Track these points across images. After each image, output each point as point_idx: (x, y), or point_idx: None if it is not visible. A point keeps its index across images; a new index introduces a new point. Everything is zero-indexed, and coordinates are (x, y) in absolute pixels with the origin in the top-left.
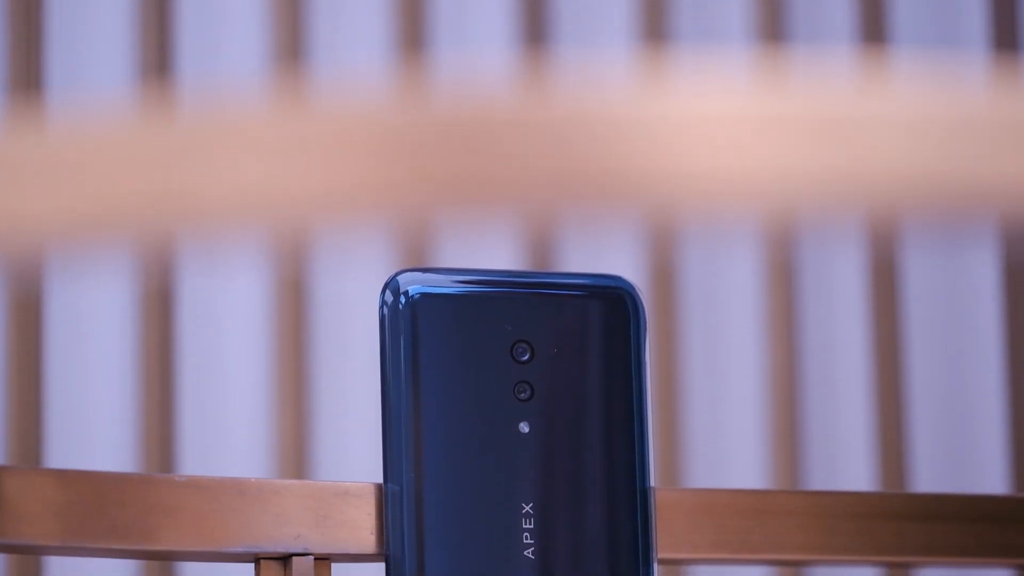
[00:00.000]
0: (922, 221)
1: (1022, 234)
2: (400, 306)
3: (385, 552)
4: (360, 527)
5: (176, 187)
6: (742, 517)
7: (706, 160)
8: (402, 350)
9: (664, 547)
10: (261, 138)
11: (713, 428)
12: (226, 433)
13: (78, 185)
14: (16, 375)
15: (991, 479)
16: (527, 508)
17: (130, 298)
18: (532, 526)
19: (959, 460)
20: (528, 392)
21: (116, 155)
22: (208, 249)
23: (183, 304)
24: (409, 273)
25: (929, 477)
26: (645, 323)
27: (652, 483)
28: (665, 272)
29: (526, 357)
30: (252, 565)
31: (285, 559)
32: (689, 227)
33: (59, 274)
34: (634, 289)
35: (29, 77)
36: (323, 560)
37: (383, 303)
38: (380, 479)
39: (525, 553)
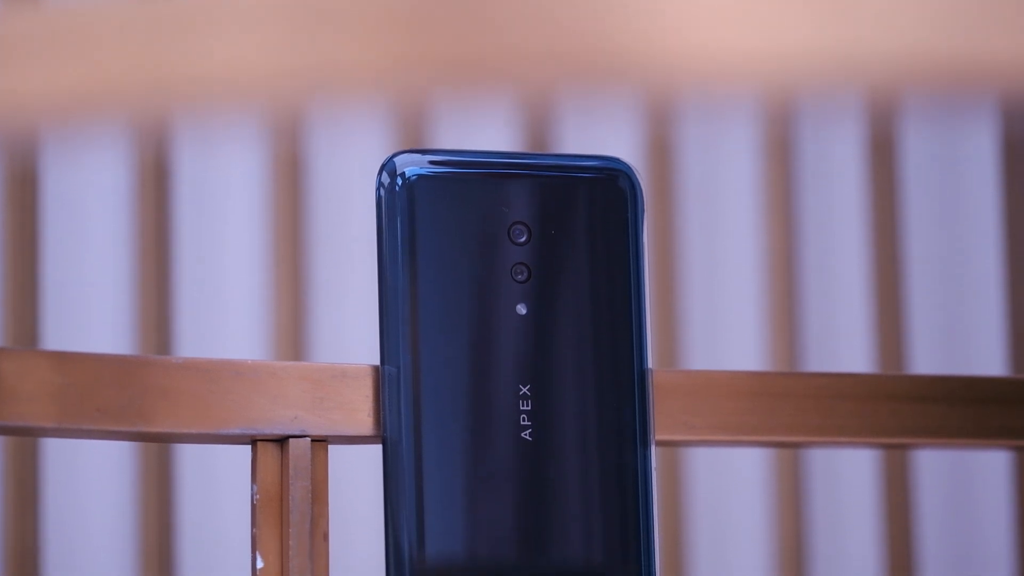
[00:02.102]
0: (921, 96)
1: (1021, 108)
2: (397, 188)
3: (382, 434)
4: (357, 409)
5: (172, 63)
6: (740, 399)
7: (703, 37)
8: (399, 232)
9: (661, 429)
10: (258, 14)
11: (711, 309)
12: (223, 314)
13: (74, 60)
14: (12, 255)
15: (989, 360)
16: (524, 390)
17: (126, 176)
18: (529, 408)
19: (958, 341)
20: (525, 274)
21: (112, 31)
22: (204, 126)
23: (179, 183)
24: (406, 155)
25: (927, 358)
26: (643, 205)
27: (650, 365)
28: (662, 152)
29: (523, 239)
30: (249, 447)
31: (282, 441)
32: (687, 106)
33: (55, 151)
34: (632, 171)
35: None
36: (320, 442)
37: (380, 185)
38: (377, 361)
39: (522, 435)
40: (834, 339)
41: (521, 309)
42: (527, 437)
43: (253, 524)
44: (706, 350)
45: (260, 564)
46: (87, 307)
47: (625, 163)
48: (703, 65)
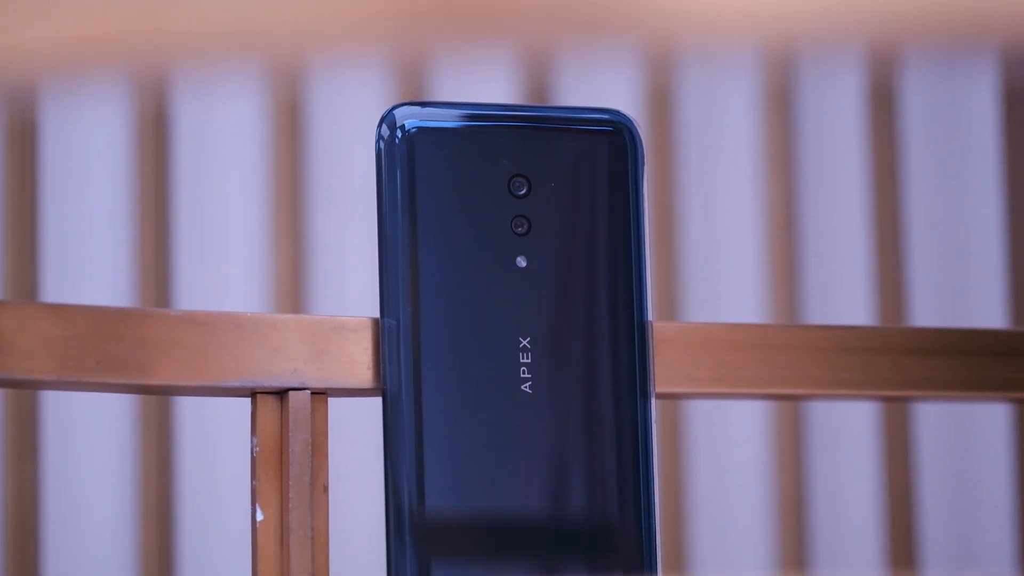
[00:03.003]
0: (921, 47)
1: (1021, 59)
2: (396, 140)
3: (382, 387)
4: (357, 362)
5: (172, 13)
6: (740, 351)
7: None
8: (398, 184)
9: (662, 381)
10: None
11: (711, 262)
12: (222, 267)
13: (73, 10)
14: (11, 207)
15: (989, 313)
16: (524, 343)
17: (126, 127)
18: (529, 360)
19: (958, 293)
20: (525, 226)
21: None
22: (204, 77)
23: (179, 134)
24: (405, 107)
25: (927, 311)
26: (643, 157)
27: (650, 317)
28: (662, 103)
29: (523, 191)
30: (248, 400)
31: (281, 394)
32: (687, 56)
33: (55, 102)
34: (632, 123)
35: None
36: (320, 395)
37: (379, 137)
38: (377, 313)
39: (522, 388)
40: (834, 291)
41: (521, 262)
42: (527, 390)
43: (253, 477)
44: (706, 302)
45: (260, 517)
46: (86, 259)
47: (625, 115)
48: (703, 15)
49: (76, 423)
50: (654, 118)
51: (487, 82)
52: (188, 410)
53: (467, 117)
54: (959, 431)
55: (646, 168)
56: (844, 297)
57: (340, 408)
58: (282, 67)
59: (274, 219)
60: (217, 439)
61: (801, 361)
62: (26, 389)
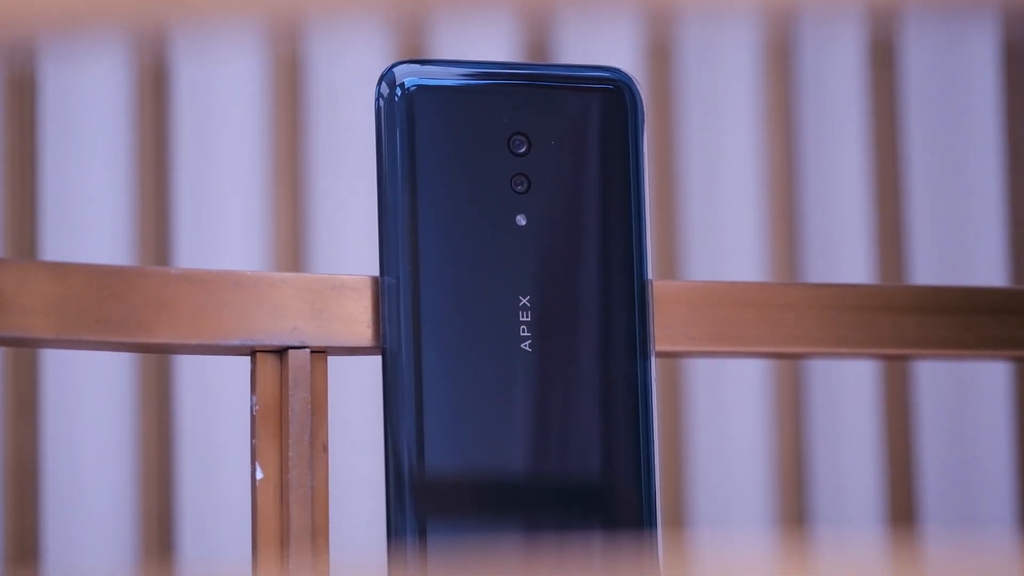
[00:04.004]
0: (921, 1)
1: (1021, 14)
2: (396, 98)
3: (382, 345)
4: (357, 320)
5: None
6: (740, 310)
7: None
8: (398, 143)
9: (662, 340)
10: None
11: (711, 220)
12: (222, 225)
13: None
14: (11, 164)
15: (989, 271)
16: (524, 301)
17: (125, 83)
18: (529, 319)
19: (958, 251)
20: (525, 185)
21: None
22: (204, 33)
23: (178, 91)
24: (405, 65)
25: (927, 269)
26: (643, 115)
27: (650, 276)
28: (662, 59)
29: (523, 150)
30: (248, 358)
31: (281, 352)
32: (686, 12)
33: (55, 59)
34: (632, 81)
35: None
36: (319, 353)
37: (379, 95)
38: (377, 272)
39: (522, 346)
40: (834, 249)
41: (521, 220)
42: (527, 348)
43: (252, 435)
44: (706, 261)
45: (260, 475)
46: (86, 217)
47: (625, 73)
48: None
49: (76, 382)
50: (654, 75)
51: (487, 40)
52: (188, 369)
53: (467, 75)
54: (959, 389)
55: (646, 126)
56: (844, 255)
57: (340, 366)
58: (282, 24)
59: (274, 176)
60: (217, 398)
61: (801, 319)
62: (26, 347)
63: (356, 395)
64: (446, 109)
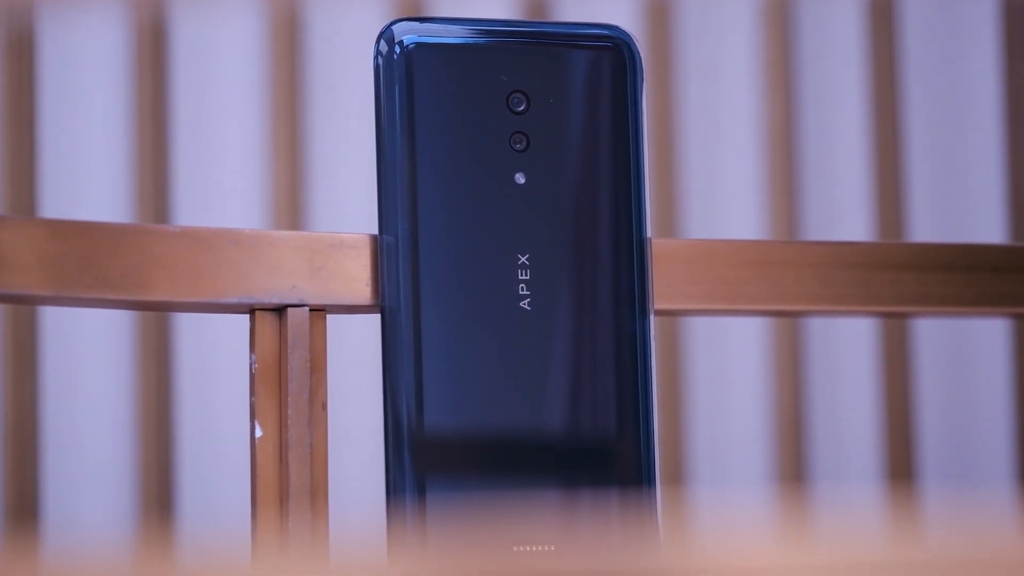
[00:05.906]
0: None
1: None
2: (395, 56)
3: (381, 303)
4: (356, 278)
5: None
6: (739, 268)
7: None
8: (397, 100)
9: (661, 298)
10: None
11: (710, 178)
12: (221, 182)
13: None
14: (9, 121)
15: (989, 228)
16: (523, 259)
17: (123, 40)
18: (528, 277)
19: (957, 209)
20: (524, 143)
21: None
22: None
23: (177, 48)
24: (404, 22)
25: (926, 226)
26: (642, 74)
27: (649, 234)
28: (661, 17)
29: (522, 107)
30: (247, 316)
31: (280, 310)
32: None
33: (52, 14)
34: (631, 39)
35: None
36: (318, 311)
37: (378, 53)
38: (376, 230)
39: (521, 304)
40: (834, 207)
41: (519, 178)
42: (526, 306)
43: (252, 393)
44: (705, 219)
45: (259, 433)
46: (84, 174)
47: (624, 31)
48: None
49: (75, 339)
50: (653, 34)
51: None
52: (187, 327)
53: (466, 33)
54: (958, 346)
55: (645, 84)
56: (843, 213)
57: (339, 325)
58: None
59: (273, 135)
60: (216, 356)
61: (800, 277)
62: (24, 304)
63: (355, 353)
64: (445, 67)
